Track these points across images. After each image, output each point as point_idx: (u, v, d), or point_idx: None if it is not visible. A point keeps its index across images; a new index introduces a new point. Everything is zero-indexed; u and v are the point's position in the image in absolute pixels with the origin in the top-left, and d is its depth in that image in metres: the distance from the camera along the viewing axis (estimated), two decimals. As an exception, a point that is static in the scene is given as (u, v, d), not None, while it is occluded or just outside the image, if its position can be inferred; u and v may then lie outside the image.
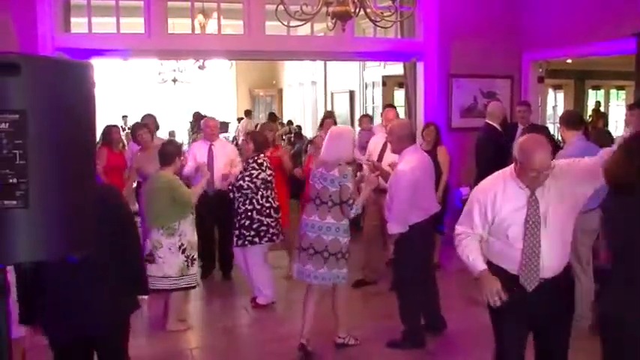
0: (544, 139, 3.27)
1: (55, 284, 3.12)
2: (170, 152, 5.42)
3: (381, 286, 6.48)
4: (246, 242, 5.78)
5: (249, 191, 5.73)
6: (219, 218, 6.78)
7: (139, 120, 7.80)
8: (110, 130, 7.34)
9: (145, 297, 5.01)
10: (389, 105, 8.26)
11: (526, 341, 3.42)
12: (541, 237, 3.19)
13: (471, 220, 3.36)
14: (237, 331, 5.72)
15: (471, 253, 3.34)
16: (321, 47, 8.36)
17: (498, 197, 3.25)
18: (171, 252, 5.25)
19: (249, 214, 5.75)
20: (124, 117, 15.12)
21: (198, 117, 12.47)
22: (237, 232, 5.81)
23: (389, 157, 5.90)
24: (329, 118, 8.03)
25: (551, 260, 3.23)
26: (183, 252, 5.28)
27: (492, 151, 6.51)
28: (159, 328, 5.53)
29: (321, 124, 8.19)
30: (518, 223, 3.21)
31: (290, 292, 6.38)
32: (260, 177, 5.72)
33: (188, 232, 5.35)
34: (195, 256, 5.46)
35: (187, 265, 5.33)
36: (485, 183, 3.43)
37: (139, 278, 3.50)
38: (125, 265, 3.28)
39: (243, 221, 5.77)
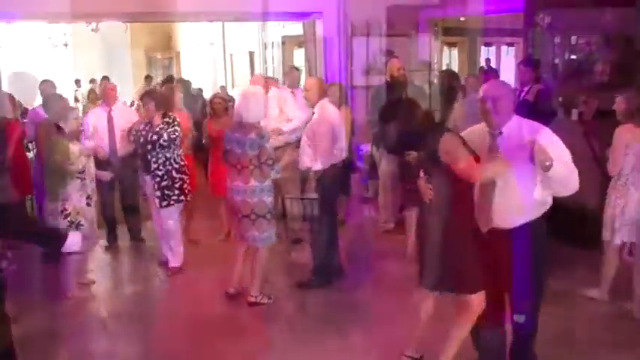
0: None
1: None
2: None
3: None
4: (172, 202, 5.69)
5: (164, 149, 5.60)
6: (121, 181, 6.63)
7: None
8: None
9: None
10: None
11: None
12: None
13: None
14: (151, 297, 5.68)
15: None
16: (217, 7, 8.19)
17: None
18: (53, 216, 5.23)
19: (171, 173, 5.65)
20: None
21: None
22: (158, 193, 5.66)
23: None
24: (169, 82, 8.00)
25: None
26: (65, 217, 5.20)
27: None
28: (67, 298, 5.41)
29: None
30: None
31: (198, 255, 6.37)
32: (172, 136, 5.62)
33: (74, 197, 5.25)
34: (83, 222, 5.28)
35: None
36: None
37: None
38: None
39: (165, 182, 5.64)
